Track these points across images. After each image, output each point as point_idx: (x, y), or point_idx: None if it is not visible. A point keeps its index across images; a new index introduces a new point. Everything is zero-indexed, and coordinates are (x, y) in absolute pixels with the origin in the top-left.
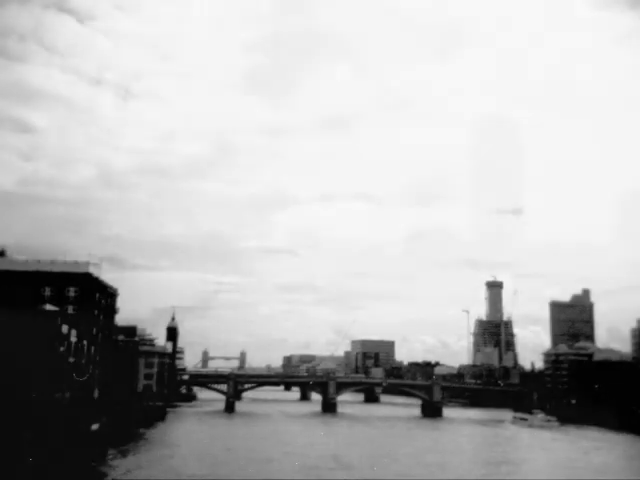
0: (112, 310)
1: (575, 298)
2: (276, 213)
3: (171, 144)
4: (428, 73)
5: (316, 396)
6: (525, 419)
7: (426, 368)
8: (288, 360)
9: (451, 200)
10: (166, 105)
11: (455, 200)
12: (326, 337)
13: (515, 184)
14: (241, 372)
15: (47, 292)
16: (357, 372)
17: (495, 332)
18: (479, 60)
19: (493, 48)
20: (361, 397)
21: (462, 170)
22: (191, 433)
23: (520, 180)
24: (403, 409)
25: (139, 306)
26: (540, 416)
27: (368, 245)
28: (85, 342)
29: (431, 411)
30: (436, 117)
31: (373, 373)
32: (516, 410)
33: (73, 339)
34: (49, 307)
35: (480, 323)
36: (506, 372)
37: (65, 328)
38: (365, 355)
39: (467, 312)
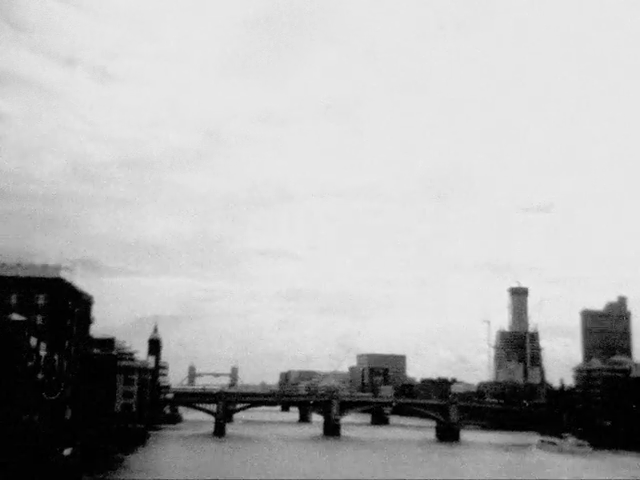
0: (87, 320)
1: (610, 307)
2: (273, 210)
3: (154, 133)
4: (443, 52)
5: (317, 417)
6: (554, 443)
7: (441, 386)
8: (285, 377)
9: (469, 196)
10: (149, 89)
11: (474, 196)
12: (329, 351)
13: (543, 178)
14: (232, 390)
15: (13, 300)
16: (363, 390)
17: (519, 345)
18: (502, 35)
19: (517, 22)
20: (368, 418)
21: (482, 162)
22: (175, 460)
23: (549, 173)
24: (415, 432)
25: (117, 315)
26: (571, 440)
27: (376, 246)
28: (56, 356)
29: (447, 434)
30: (452, 102)
31: (382, 391)
32: (543, 433)
33: (43, 353)
34: (15, 317)
35: (502, 335)
36: (532, 390)
37: (34, 340)
38: (373, 371)
39: (488, 322)
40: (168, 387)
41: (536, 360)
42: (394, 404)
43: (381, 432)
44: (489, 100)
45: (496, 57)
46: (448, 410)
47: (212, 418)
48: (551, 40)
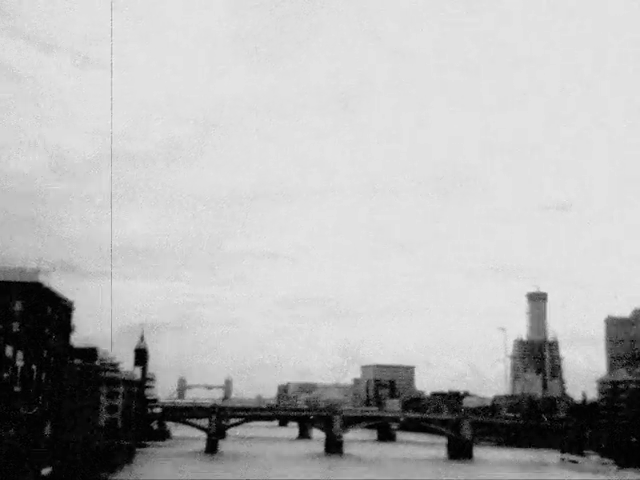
0: (67, 328)
1: (637, 313)
2: (270, 209)
3: (141, 125)
4: (456, 33)
5: (318, 433)
6: (575, 462)
7: (453, 399)
8: (284, 389)
9: (482, 193)
10: (135, 76)
11: (487, 193)
12: (330, 361)
13: (563, 173)
14: (226, 404)
15: None
16: (368, 404)
17: (538, 355)
18: (522, 19)
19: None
20: (374, 435)
21: (496, 156)
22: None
23: (569, 168)
24: (425, 449)
25: (100, 323)
26: (594, 458)
27: (381, 248)
28: (34, 367)
29: (459, 452)
30: (464, 92)
31: (388, 405)
32: (564, 451)
33: (19, 363)
34: None
35: (519, 344)
36: (551, 404)
37: (9, 350)
38: (378, 383)
39: (503, 330)
40: (156, 400)
41: (556, 371)
42: (402, 419)
43: (387, 449)
44: (503, 89)
45: (514, 44)
46: (460, 425)
47: (204, 434)
48: (576, 24)
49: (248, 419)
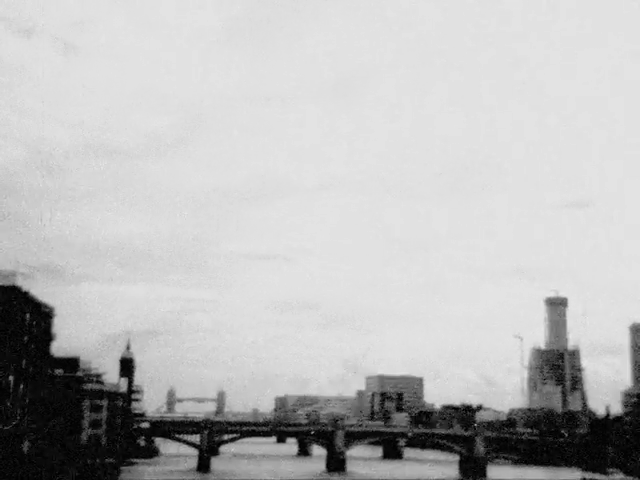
0: (47, 336)
1: None
2: (264, 206)
3: (127, 115)
4: (464, 18)
5: (319, 450)
6: None
7: (465, 413)
8: (282, 403)
9: (494, 189)
10: (120, 65)
11: (499, 189)
12: (332, 372)
13: (582, 167)
14: (219, 419)
15: None
16: (373, 419)
17: (557, 365)
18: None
19: None
20: (379, 451)
21: (511, 150)
22: None
23: (589, 162)
24: (435, 468)
25: (83, 331)
26: (618, 477)
27: (385, 248)
28: (11, 378)
29: (472, 470)
30: (476, 80)
31: (395, 420)
32: (586, 469)
33: None
34: None
35: (537, 353)
36: (572, 418)
37: None
38: (384, 396)
39: (520, 338)
40: (143, 415)
41: (577, 383)
42: (409, 435)
43: (394, 468)
44: (515, 78)
45: (530, 27)
46: (473, 442)
47: (195, 451)
48: (600, 13)
49: (243, 435)
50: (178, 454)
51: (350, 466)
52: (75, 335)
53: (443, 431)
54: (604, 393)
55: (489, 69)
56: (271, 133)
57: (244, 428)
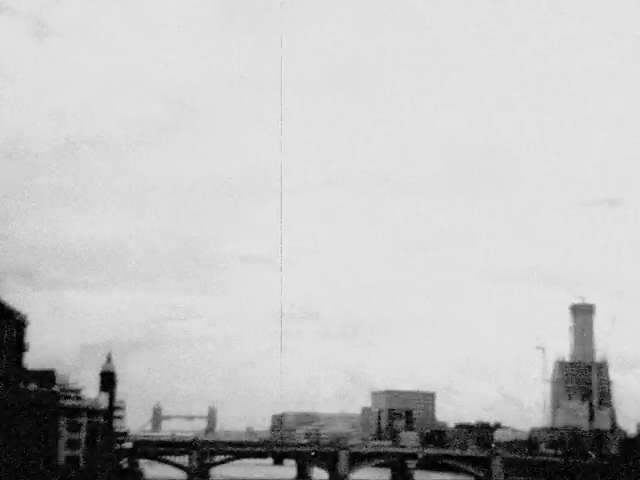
0: (19, 346)
1: None
2: (261, 204)
3: (108, 103)
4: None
5: (320, 473)
6: None
7: (482, 432)
8: (279, 420)
9: (511, 186)
10: (102, 47)
11: (517, 186)
12: (334, 387)
13: (609, 163)
14: (210, 438)
15: None
16: (380, 438)
17: (584, 379)
18: None
19: None
20: (386, 474)
21: (527, 142)
22: None
23: (616, 157)
24: None
25: (59, 341)
26: None
27: (391, 249)
28: None
29: None
30: (490, 69)
31: (404, 439)
32: None
33: None
34: None
35: (561, 366)
36: (599, 438)
37: None
38: (392, 413)
39: (542, 350)
40: (126, 434)
41: (605, 398)
42: (420, 456)
43: None
44: (532, 66)
45: (551, 15)
46: (490, 463)
47: (183, 474)
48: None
49: (236, 456)
50: (164, 478)
51: None
52: (51, 346)
53: (457, 452)
54: (635, 409)
55: (499, 59)
56: (268, 123)
57: (237, 449)
